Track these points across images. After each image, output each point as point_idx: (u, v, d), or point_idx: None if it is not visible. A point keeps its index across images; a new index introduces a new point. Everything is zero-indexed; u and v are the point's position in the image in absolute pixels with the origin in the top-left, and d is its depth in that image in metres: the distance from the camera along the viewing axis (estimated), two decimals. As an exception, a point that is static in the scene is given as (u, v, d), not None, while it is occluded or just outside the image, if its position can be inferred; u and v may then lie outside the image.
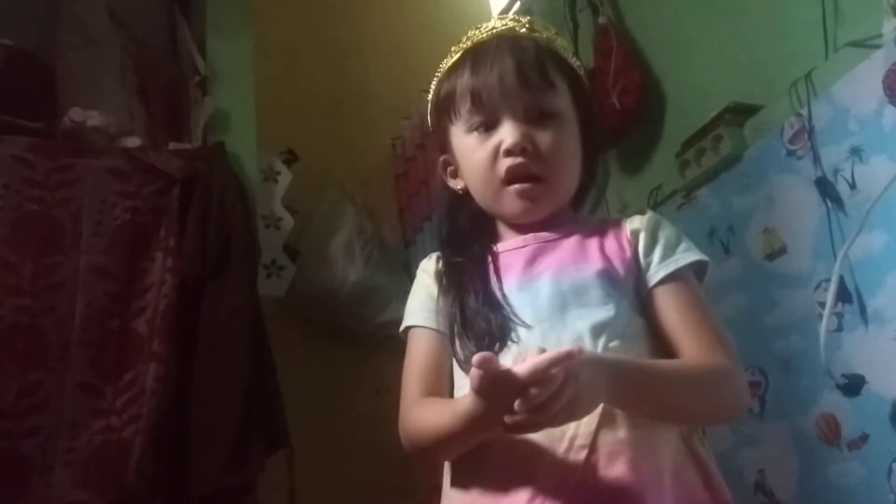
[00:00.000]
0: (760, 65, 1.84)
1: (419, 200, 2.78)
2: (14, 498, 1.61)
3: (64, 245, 1.82)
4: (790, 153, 1.65)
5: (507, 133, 1.03)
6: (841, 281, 1.50)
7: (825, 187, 1.56)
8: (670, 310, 1.00)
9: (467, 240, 1.11)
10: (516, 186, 1.03)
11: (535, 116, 1.04)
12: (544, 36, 1.11)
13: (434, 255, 1.14)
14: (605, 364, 0.89)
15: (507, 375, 0.80)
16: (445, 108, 1.10)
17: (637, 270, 1.02)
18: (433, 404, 1.00)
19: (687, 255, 1.02)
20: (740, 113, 1.78)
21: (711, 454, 0.98)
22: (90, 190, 1.88)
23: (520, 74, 1.04)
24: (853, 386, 1.45)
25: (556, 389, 0.80)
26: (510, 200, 1.05)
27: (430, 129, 1.20)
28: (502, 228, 1.11)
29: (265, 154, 2.40)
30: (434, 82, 1.16)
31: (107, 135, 1.98)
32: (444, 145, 1.14)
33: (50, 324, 1.75)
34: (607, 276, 1.00)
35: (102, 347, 1.79)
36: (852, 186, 1.53)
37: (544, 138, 1.04)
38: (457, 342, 1.02)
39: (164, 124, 2.29)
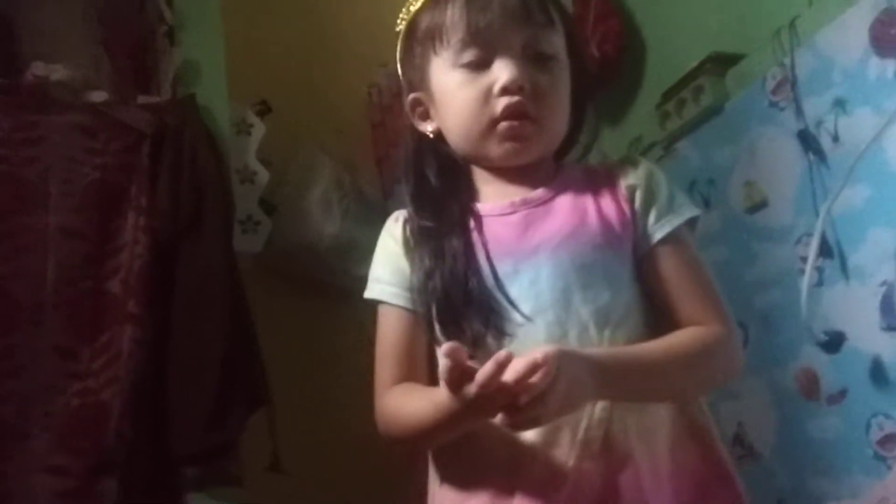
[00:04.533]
0: (743, 12, 1.79)
1: (398, 151, 2.73)
2: (-6, 464, 1.60)
3: (32, 205, 1.78)
4: (772, 104, 1.62)
5: (503, 70, 0.96)
6: (822, 235, 1.49)
7: (808, 140, 1.53)
8: (667, 271, 0.97)
9: (440, 197, 1.02)
10: (505, 124, 0.96)
11: (531, 56, 0.98)
12: None
13: (401, 216, 1.05)
14: (588, 361, 0.85)
15: (488, 376, 0.77)
16: (429, 38, 1.01)
17: (635, 230, 0.97)
18: (411, 392, 0.96)
19: (683, 211, 0.99)
20: (722, 62, 1.73)
21: (711, 420, 0.96)
22: (57, 148, 1.83)
23: (523, 6, 0.97)
24: (834, 343, 1.45)
25: (543, 393, 0.77)
26: (497, 140, 0.97)
27: (399, 62, 1.09)
28: (479, 180, 1.04)
29: (237, 106, 2.34)
30: (409, 10, 1.06)
31: (72, 89, 1.92)
32: (417, 83, 1.05)
33: (21, 287, 1.72)
34: (609, 246, 0.95)
35: (76, 309, 1.76)
36: (835, 139, 1.50)
37: (541, 79, 0.98)
38: (438, 330, 0.95)
39: (132, 77, 2.22)
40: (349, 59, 2.94)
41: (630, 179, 1.00)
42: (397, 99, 2.76)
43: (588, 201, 0.98)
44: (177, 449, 1.85)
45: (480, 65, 0.97)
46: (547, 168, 1.03)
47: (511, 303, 0.92)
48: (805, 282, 1.43)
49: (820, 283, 1.50)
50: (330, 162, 2.70)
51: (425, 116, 1.05)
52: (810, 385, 1.55)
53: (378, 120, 2.89)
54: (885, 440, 1.43)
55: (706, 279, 0.99)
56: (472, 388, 0.78)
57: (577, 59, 1.05)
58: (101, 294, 1.83)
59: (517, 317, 0.92)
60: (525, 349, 0.86)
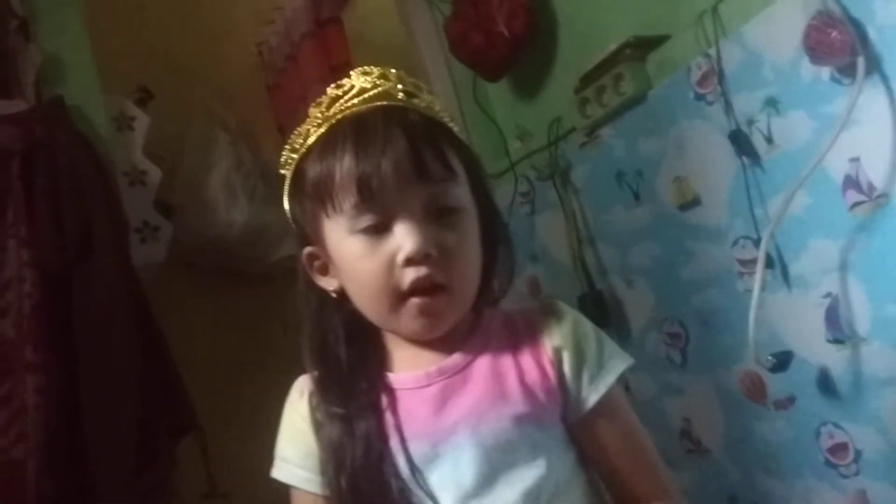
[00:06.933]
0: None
1: (299, 117, 2.53)
2: None
3: None
4: (699, 97, 1.50)
5: (406, 238, 0.83)
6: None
7: (740, 142, 1.42)
8: (606, 439, 0.89)
9: (348, 372, 0.90)
10: (417, 301, 0.85)
11: (434, 213, 0.85)
12: (425, 102, 0.90)
13: (305, 389, 0.93)
14: None
15: None
16: (318, 196, 0.87)
17: (564, 396, 0.88)
18: None
19: (615, 366, 0.90)
20: (641, 47, 1.58)
21: None
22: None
23: (417, 163, 0.84)
24: (782, 364, 1.40)
25: None
26: (408, 317, 0.87)
27: (287, 207, 0.95)
28: (391, 342, 0.93)
29: (114, 99, 2.13)
30: (291, 152, 0.92)
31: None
32: (311, 236, 0.92)
33: None
34: (533, 418, 0.86)
35: (-35, 360, 1.63)
36: (769, 141, 1.40)
37: (448, 239, 0.85)
38: None
39: (-15, 84, 1.98)
40: (233, 16, 2.68)
41: (556, 340, 0.90)
42: (291, 63, 2.55)
43: (508, 366, 0.89)
44: (106, 498, 1.77)
45: (379, 229, 0.85)
46: (462, 324, 0.91)
47: (431, 496, 0.84)
48: (752, 313, 1.35)
49: (762, 289, 1.44)
50: (227, 138, 2.49)
51: (324, 271, 0.92)
52: (756, 389, 1.51)
53: (273, 82, 2.67)
54: (836, 448, 1.41)
55: (646, 445, 0.92)
56: None
57: (485, 202, 0.93)
58: (-9, 339, 1.70)
59: None
60: None
